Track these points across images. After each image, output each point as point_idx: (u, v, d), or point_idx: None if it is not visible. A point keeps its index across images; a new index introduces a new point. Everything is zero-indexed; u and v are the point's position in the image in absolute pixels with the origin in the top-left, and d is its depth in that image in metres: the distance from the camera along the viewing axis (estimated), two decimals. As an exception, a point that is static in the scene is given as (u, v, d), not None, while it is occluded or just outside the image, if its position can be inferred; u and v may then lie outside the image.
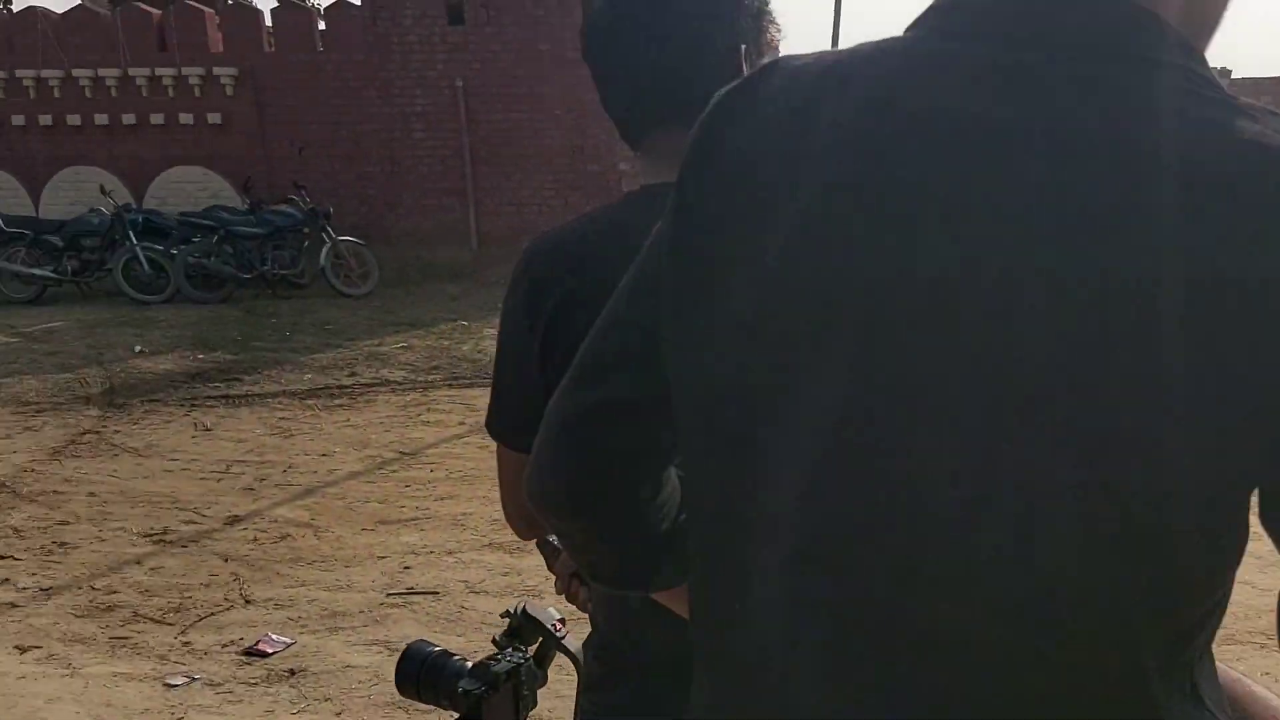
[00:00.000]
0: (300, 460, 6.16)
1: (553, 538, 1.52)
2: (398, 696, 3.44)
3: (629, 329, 0.92)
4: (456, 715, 1.50)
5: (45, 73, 13.11)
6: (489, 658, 1.54)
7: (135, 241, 11.46)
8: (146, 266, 11.42)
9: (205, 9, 13.09)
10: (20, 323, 10.38)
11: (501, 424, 1.43)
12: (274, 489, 5.70)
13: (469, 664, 1.53)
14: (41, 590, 4.51)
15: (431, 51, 12.64)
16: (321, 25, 13.06)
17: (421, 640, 1.62)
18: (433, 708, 3.22)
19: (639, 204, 1.33)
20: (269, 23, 13.15)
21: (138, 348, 9.16)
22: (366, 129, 12.89)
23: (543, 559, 1.63)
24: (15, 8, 15.68)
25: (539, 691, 1.55)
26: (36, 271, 11.60)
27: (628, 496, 0.95)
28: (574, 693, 1.50)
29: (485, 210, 12.84)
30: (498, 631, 1.60)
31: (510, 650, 1.55)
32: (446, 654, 1.57)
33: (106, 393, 7.76)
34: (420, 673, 1.57)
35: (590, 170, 12.52)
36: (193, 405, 7.41)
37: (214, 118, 12.97)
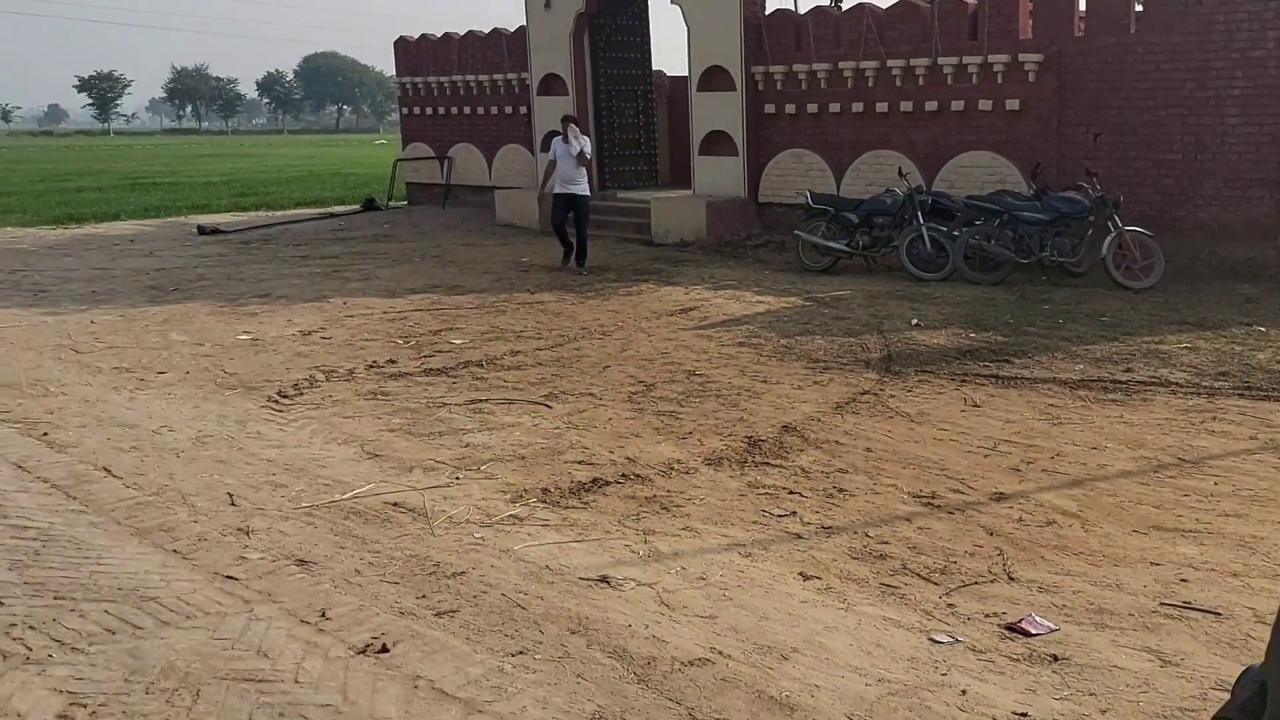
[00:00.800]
0: (1068, 450, 5.98)
1: None
2: (1170, 709, 3.20)
3: None
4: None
5: (863, 64, 14.33)
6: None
7: (922, 221, 12.08)
8: (929, 246, 11.99)
9: (1018, -5, 13.20)
10: (814, 288, 11.55)
11: None
12: (1040, 473, 5.62)
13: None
14: (823, 528, 4.96)
15: (1262, 29, 11.35)
16: (1138, 7, 12.41)
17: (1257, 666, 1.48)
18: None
19: None
20: (1082, 6, 12.83)
21: (915, 321, 9.65)
22: (1171, 114, 12.04)
23: None
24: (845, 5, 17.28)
25: None
26: (832, 244, 12.81)
27: None
28: None
29: (1302, 206, 11.29)
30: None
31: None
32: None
33: (884, 359, 8.30)
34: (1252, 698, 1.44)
35: None
36: (963, 380, 7.60)
37: (1012, 104, 13.09)
